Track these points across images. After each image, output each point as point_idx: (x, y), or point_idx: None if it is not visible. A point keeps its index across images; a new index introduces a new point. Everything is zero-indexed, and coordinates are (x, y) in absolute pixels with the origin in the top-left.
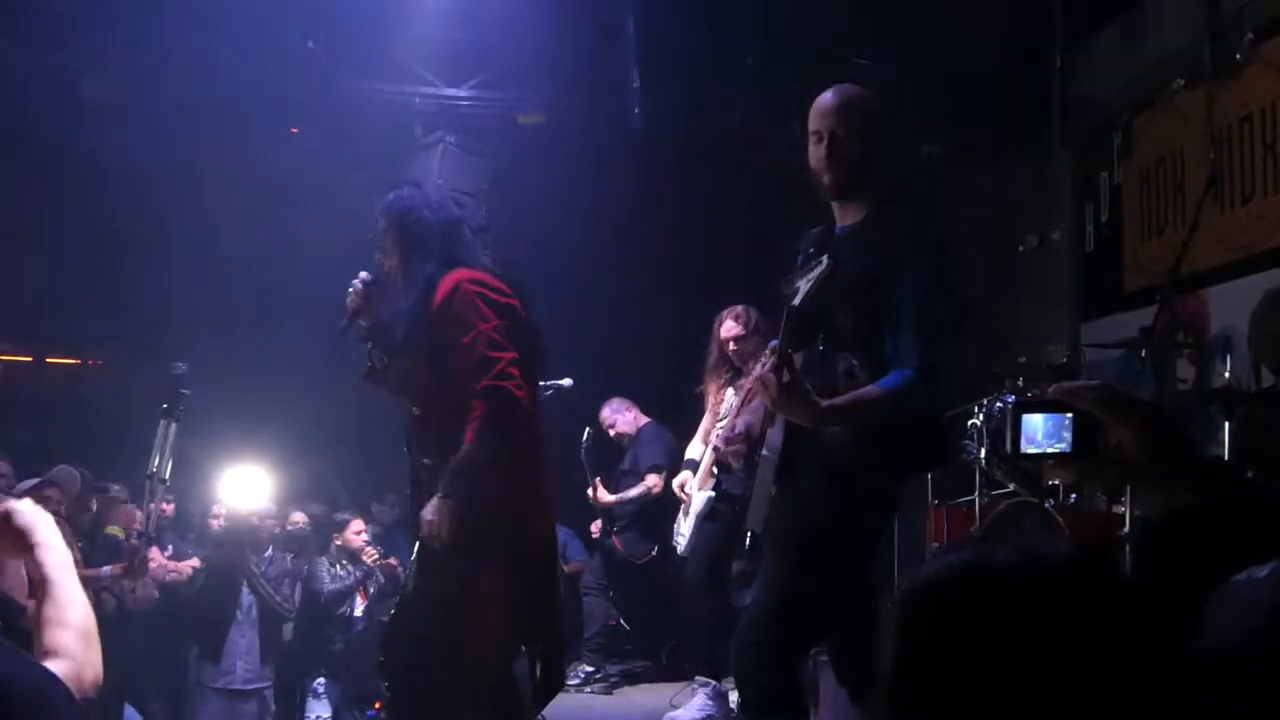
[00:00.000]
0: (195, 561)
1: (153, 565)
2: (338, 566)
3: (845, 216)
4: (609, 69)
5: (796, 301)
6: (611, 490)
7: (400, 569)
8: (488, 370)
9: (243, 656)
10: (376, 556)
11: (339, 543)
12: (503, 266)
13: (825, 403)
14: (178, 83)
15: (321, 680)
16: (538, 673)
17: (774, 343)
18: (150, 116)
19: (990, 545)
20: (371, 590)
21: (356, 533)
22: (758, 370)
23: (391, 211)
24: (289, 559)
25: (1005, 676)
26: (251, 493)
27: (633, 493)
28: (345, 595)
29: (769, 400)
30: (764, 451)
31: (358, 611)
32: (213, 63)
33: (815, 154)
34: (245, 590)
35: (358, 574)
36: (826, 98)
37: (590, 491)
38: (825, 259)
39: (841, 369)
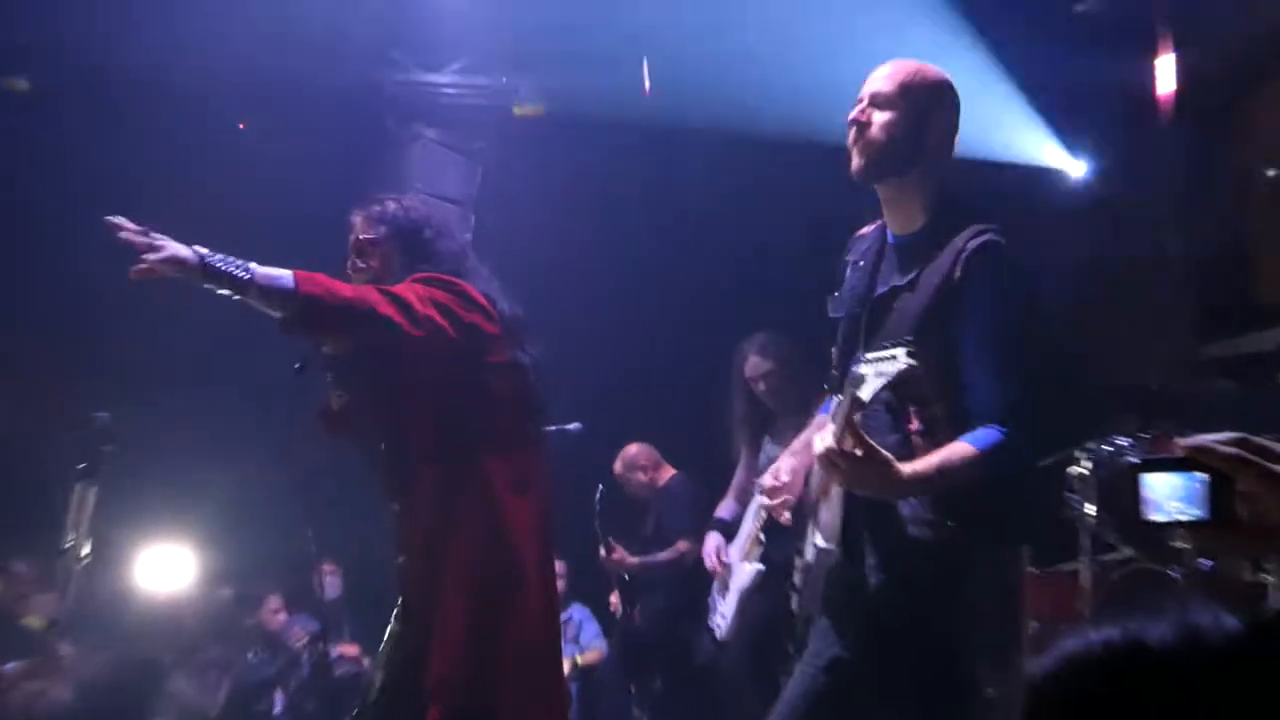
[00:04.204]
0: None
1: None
2: (251, 654)
3: (896, 221)
4: (613, 50)
5: (865, 397)
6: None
7: (365, 659)
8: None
9: None
10: (306, 639)
11: (253, 623)
12: (508, 299)
13: (908, 469)
14: (102, 65)
15: None
16: None
17: (826, 406)
18: (68, 107)
19: (1138, 620)
20: (293, 684)
21: (274, 611)
22: (812, 434)
23: (397, 223)
24: (214, 650)
25: None
26: (173, 575)
27: (661, 557)
28: (262, 688)
29: (839, 479)
30: (819, 542)
31: (277, 709)
32: (148, 46)
33: (850, 125)
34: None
35: (279, 663)
36: (882, 66)
37: (603, 552)
38: (904, 353)
39: (915, 426)
